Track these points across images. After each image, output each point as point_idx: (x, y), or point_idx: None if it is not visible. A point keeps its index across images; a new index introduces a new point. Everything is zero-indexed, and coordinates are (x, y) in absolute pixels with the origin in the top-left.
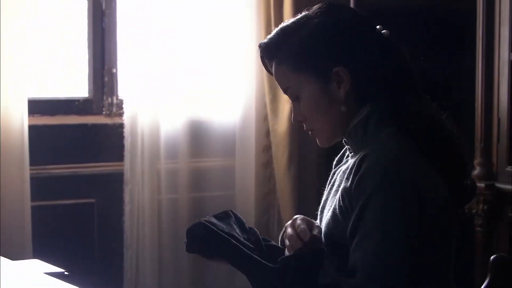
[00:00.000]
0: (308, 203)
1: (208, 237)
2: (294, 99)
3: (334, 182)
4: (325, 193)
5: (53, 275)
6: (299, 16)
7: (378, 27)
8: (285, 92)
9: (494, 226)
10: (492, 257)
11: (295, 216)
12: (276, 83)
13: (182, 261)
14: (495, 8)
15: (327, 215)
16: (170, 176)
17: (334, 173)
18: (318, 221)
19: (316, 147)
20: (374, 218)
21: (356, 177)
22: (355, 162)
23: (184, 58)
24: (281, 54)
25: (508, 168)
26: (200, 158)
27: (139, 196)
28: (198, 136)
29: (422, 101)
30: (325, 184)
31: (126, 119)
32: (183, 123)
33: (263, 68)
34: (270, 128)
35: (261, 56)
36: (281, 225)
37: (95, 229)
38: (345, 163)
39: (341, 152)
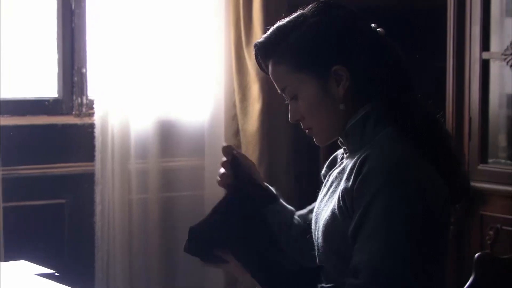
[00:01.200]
0: None
1: (202, 242)
2: (292, 98)
3: (329, 184)
4: (320, 195)
5: (43, 276)
6: (295, 15)
7: (373, 25)
8: (282, 91)
9: (466, 223)
10: (476, 255)
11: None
12: (245, 82)
13: (152, 261)
14: (466, 7)
15: (324, 216)
16: (140, 176)
17: (327, 175)
18: (312, 222)
19: (286, 147)
20: (379, 218)
21: (359, 178)
22: (355, 162)
23: (153, 58)
24: (278, 53)
25: (480, 167)
26: (170, 158)
27: (110, 196)
28: (168, 136)
29: (418, 99)
30: (294, 183)
31: (97, 119)
32: (153, 123)
33: (233, 67)
34: (240, 128)
35: (256, 56)
36: None
37: (66, 229)
38: (339, 165)
39: (332, 157)
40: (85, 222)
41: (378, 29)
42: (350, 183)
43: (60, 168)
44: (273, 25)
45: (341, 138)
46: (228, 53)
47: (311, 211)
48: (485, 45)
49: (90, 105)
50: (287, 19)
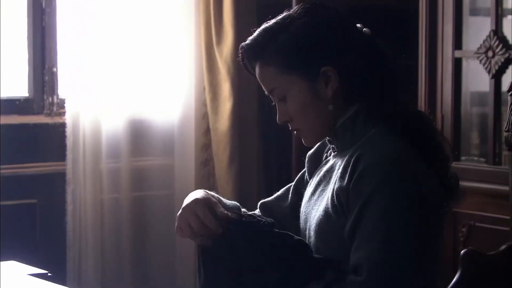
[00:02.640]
0: (249, 200)
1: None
2: (280, 99)
3: (316, 182)
4: (307, 194)
5: (36, 276)
6: (281, 16)
7: (358, 25)
8: (270, 93)
9: None
10: (462, 251)
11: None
12: (216, 80)
13: (124, 260)
14: (438, 6)
15: (316, 215)
16: (112, 175)
17: (312, 174)
18: (301, 221)
19: (257, 145)
20: (377, 216)
21: (354, 176)
22: (348, 161)
23: (124, 57)
24: (266, 54)
25: (453, 164)
26: (141, 157)
27: (82, 196)
28: (139, 135)
29: (405, 98)
30: (265, 181)
31: (68, 118)
32: (124, 122)
33: (203, 66)
34: (211, 127)
35: (242, 57)
36: None
37: (37, 229)
38: (325, 163)
39: (315, 149)
40: (57, 223)
41: (364, 29)
42: (345, 181)
43: (31, 168)
44: (243, 24)
45: (329, 137)
46: (198, 52)
47: (281, 198)
48: (458, 43)
49: (61, 104)
50: (273, 20)
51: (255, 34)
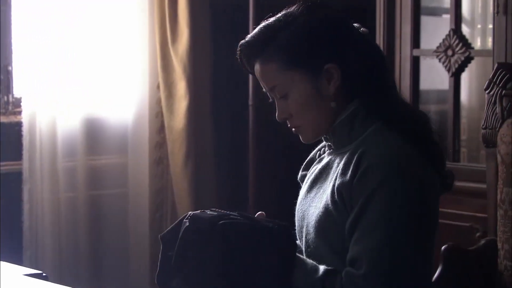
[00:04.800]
0: (205, 199)
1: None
2: (281, 97)
3: (312, 180)
4: (302, 192)
5: (31, 276)
6: (281, 14)
7: (355, 25)
8: (271, 90)
9: None
10: (443, 247)
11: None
12: (171, 79)
13: (81, 260)
14: (395, 6)
15: (315, 212)
16: (68, 174)
17: (307, 172)
18: (297, 218)
19: (213, 143)
20: (379, 210)
21: (359, 172)
22: (349, 157)
23: (80, 56)
24: (268, 51)
25: None
26: (97, 156)
27: (38, 195)
28: (94, 134)
29: (399, 95)
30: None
31: (24, 117)
32: (79, 121)
33: (158, 65)
34: (166, 125)
35: (240, 55)
36: (175, 221)
37: None
38: (319, 161)
39: (307, 160)
40: (13, 222)
41: (361, 29)
42: (348, 177)
43: None
44: (198, 23)
45: (327, 135)
46: (153, 51)
47: None
48: (416, 42)
49: (17, 103)
50: (273, 18)
51: (255, 31)
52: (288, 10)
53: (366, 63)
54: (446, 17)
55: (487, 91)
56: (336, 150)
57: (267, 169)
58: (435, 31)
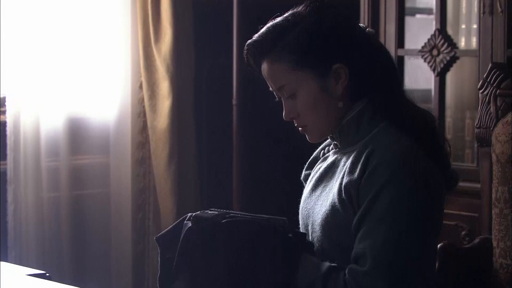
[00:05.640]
0: (188, 199)
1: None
2: (289, 96)
3: (316, 179)
4: (306, 190)
5: (35, 276)
6: (290, 13)
7: (361, 25)
8: (279, 90)
9: None
10: (439, 245)
11: None
12: (154, 79)
13: (65, 260)
14: (380, 5)
15: (321, 210)
16: (51, 174)
17: (311, 171)
18: (301, 217)
19: (197, 144)
20: (386, 208)
21: (367, 170)
22: (357, 156)
23: (63, 55)
24: (276, 51)
25: None
26: (80, 156)
27: (23, 195)
28: (77, 134)
29: (405, 94)
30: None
31: (9, 117)
32: (62, 121)
33: (141, 64)
34: (149, 125)
35: (246, 54)
36: (156, 221)
37: None
38: (323, 160)
39: (311, 159)
40: None
41: (367, 29)
42: (356, 176)
43: None
44: (181, 22)
45: (333, 134)
46: (135, 51)
47: None
48: (400, 42)
49: (1, 103)
50: (281, 18)
51: (262, 31)
52: (296, 10)
53: (373, 63)
54: (422, 17)
55: (481, 91)
56: (342, 149)
57: (251, 168)
58: (417, 31)
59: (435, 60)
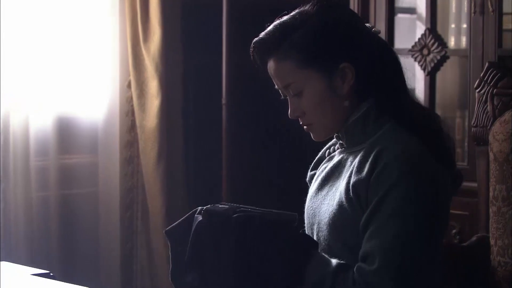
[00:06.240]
0: (177, 198)
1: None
2: (295, 94)
3: (322, 178)
4: (312, 190)
5: (39, 276)
6: (296, 12)
7: (367, 24)
8: (285, 88)
9: None
10: None
11: None
12: (143, 78)
13: (54, 258)
14: (369, 4)
15: (328, 209)
16: (40, 173)
17: (317, 170)
18: (307, 216)
19: (186, 143)
20: (394, 207)
21: (376, 170)
22: (365, 156)
23: (51, 54)
24: (283, 49)
25: None
26: (69, 155)
27: (13, 195)
28: (66, 133)
29: (410, 94)
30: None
31: None
32: (51, 120)
33: (129, 63)
34: (138, 124)
35: (253, 52)
36: (145, 220)
37: None
38: (329, 160)
39: (316, 159)
40: None
41: (373, 29)
42: (364, 175)
43: None
44: (170, 21)
45: (339, 133)
46: (124, 50)
47: None
48: (390, 41)
49: None
50: (288, 16)
51: (269, 29)
52: (303, 9)
53: (379, 63)
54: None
55: (477, 90)
56: (348, 149)
57: (241, 168)
58: (400, 30)
59: (425, 60)
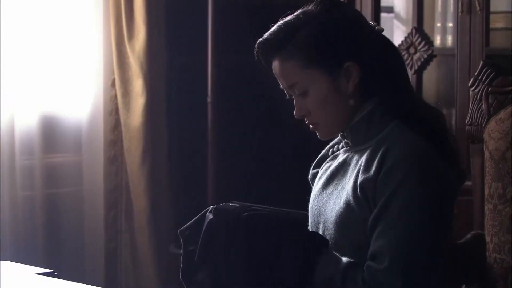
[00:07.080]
0: (162, 197)
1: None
2: (300, 94)
3: (327, 177)
4: (315, 189)
5: (43, 275)
6: (300, 12)
7: (371, 23)
8: (290, 87)
9: None
10: None
11: None
12: (127, 77)
13: (38, 258)
14: (355, 3)
15: (335, 208)
16: (25, 173)
17: (319, 169)
18: (311, 215)
19: (171, 142)
20: (402, 206)
21: (383, 169)
22: (371, 155)
23: (36, 53)
24: (288, 49)
25: None
26: (53, 154)
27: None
28: (50, 132)
29: (414, 92)
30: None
31: None
32: (36, 119)
33: (114, 62)
34: (123, 123)
35: (257, 52)
36: (129, 219)
37: None
38: (333, 159)
39: (318, 158)
40: None
41: (377, 27)
42: (372, 174)
43: None
44: (155, 20)
45: (345, 132)
46: (108, 49)
47: None
48: None
49: None
50: (292, 16)
51: (273, 29)
52: (307, 8)
53: (383, 61)
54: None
55: (472, 88)
56: (353, 148)
57: (227, 166)
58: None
59: (412, 58)
